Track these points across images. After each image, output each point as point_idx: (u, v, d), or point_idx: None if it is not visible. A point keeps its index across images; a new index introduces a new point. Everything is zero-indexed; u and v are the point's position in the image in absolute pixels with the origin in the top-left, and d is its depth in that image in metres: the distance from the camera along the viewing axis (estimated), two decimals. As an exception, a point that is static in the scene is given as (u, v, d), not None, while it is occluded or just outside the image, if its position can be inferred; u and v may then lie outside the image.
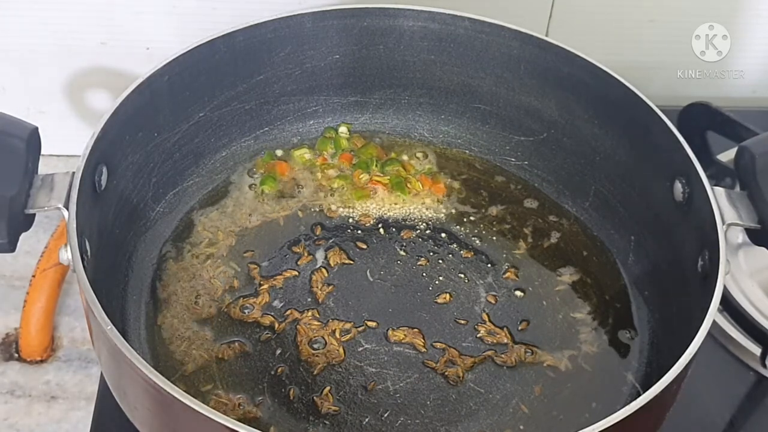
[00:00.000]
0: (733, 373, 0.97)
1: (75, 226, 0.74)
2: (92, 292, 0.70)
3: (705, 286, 0.78)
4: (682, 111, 1.14)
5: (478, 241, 0.99)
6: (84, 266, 0.72)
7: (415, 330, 0.90)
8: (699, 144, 1.11)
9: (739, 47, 1.18)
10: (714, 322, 0.90)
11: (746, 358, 0.97)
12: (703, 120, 1.12)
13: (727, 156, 1.11)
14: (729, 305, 0.99)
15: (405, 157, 1.07)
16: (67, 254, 0.73)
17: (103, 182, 0.83)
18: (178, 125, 0.97)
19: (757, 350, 0.96)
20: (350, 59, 1.04)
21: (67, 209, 0.75)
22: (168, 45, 0.93)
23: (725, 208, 0.81)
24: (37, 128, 0.79)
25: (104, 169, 0.83)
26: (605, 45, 1.07)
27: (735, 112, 1.10)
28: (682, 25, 1.14)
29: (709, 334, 0.73)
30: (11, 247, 0.74)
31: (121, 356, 0.67)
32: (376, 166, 1.05)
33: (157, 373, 0.65)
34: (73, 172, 0.78)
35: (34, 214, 0.77)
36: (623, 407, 0.67)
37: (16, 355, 0.99)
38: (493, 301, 0.94)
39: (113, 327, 0.68)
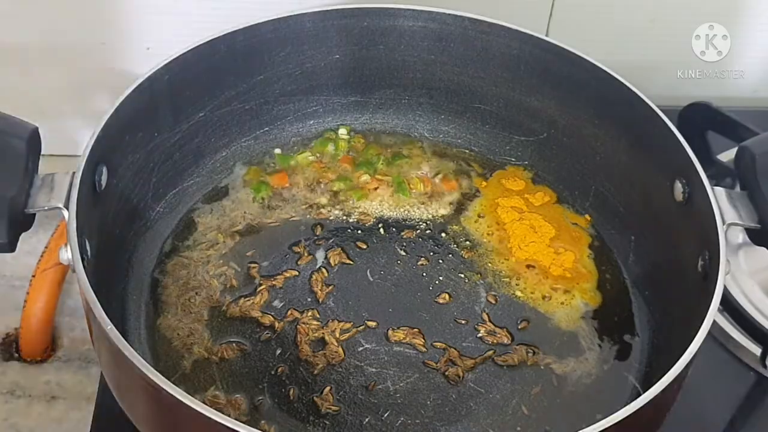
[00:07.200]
0: (733, 373, 0.97)
1: (75, 226, 0.74)
2: (92, 292, 0.70)
3: (705, 286, 0.78)
4: (682, 111, 1.14)
5: (478, 242, 0.99)
6: (84, 266, 0.72)
7: (416, 330, 0.90)
8: (699, 144, 1.11)
9: (739, 47, 1.18)
10: (714, 322, 0.90)
11: (746, 358, 0.97)
12: (703, 120, 1.12)
13: (727, 156, 1.11)
14: (729, 305, 0.99)
15: (407, 156, 1.07)
16: (67, 254, 0.73)
17: (103, 182, 0.83)
18: (178, 125, 0.97)
19: (757, 350, 0.96)
20: (350, 59, 1.05)
21: (67, 209, 0.75)
22: (168, 45, 0.92)
23: (725, 208, 0.81)
24: (37, 128, 0.79)
25: (104, 169, 0.83)
26: (605, 45, 1.06)
27: (735, 112, 1.10)
28: (682, 25, 1.14)
29: (709, 334, 0.72)
30: (11, 247, 0.74)
31: (122, 356, 0.67)
32: (382, 163, 1.05)
33: (158, 373, 0.65)
34: (74, 172, 0.77)
35: (34, 214, 0.77)
36: (623, 407, 0.67)
37: (16, 355, 0.99)
38: (493, 301, 0.94)
39: (113, 327, 0.68)
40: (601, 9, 1.16)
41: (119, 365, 0.70)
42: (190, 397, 0.64)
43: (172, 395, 0.64)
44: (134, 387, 0.71)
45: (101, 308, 0.69)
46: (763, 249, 0.82)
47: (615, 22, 1.17)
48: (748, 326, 0.98)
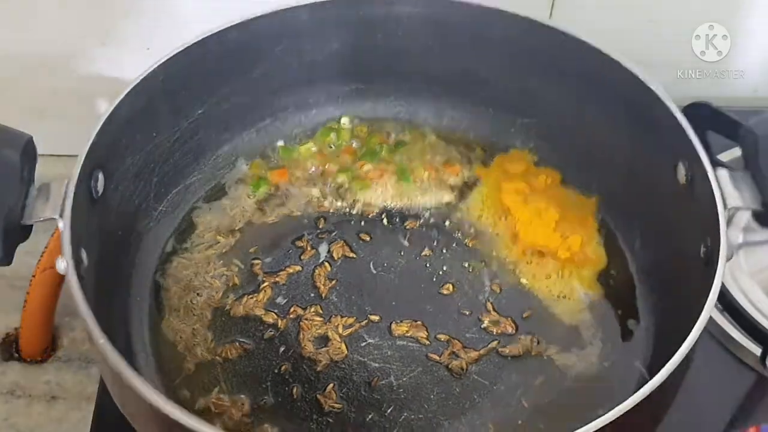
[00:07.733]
0: (733, 373, 0.96)
1: (69, 236, 0.73)
2: (85, 303, 0.69)
3: (707, 272, 0.77)
4: (682, 111, 1.12)
5: (482, 229, 0.98)
6: (79, 275, 0.71)
7: (419, 323, 0.90)
8: (699, 144, 1.10)
9: (739, 47, 1.17)
10: (714, 322, 0.89)
11: (746, 358, 0.96)
12: (703, 120, 1.10)
13: (727, 156, 1.10)
14: (729, 305, 0.98)
15: (409, 143, 1.07)
16: (63, 264, 0.72)
17: (100, 188, 0.82)
18: (177, 124, 0.96)
19: (757, 350, 0.95)
20: (349, 49, 1.03)
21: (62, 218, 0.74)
22: (168, 45, 0.92)
23: (728, 189, 0.80)
24: (31, 138, 0.78)
25: (100, 175, 0.82)
26: (605, 45, 1.05)
27: (735, 112, 1.09)
28: (682, 25, 1.13)
29: (710, 334, 0.72)
30: (8, 259, 0.74)
31: (118, 373, 0.66)
32: (385, 152, 1.05)
33: (152, 389, 0.65)
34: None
35: (31, 225, 0.76)
36: (629, 395, 0.66)
37: (16, 355, 1.00)
38: (497, 290, 0.93)
39: (106, 340, 0.67)
40: (601, 9, 1.15)
41: (115, 378, 0.70)
42: (192, 416, 0.63)
43: (173, 419, 0.63)
44: (131, 396, 0.71)
45: (94, 319, 0.68)
46: (763, 249, 0.81)
47: (615, 22, 1.16)
48: (748, 326, 0.97)
